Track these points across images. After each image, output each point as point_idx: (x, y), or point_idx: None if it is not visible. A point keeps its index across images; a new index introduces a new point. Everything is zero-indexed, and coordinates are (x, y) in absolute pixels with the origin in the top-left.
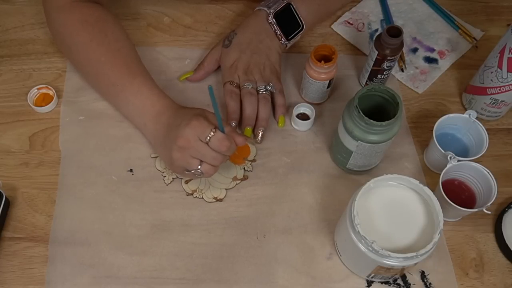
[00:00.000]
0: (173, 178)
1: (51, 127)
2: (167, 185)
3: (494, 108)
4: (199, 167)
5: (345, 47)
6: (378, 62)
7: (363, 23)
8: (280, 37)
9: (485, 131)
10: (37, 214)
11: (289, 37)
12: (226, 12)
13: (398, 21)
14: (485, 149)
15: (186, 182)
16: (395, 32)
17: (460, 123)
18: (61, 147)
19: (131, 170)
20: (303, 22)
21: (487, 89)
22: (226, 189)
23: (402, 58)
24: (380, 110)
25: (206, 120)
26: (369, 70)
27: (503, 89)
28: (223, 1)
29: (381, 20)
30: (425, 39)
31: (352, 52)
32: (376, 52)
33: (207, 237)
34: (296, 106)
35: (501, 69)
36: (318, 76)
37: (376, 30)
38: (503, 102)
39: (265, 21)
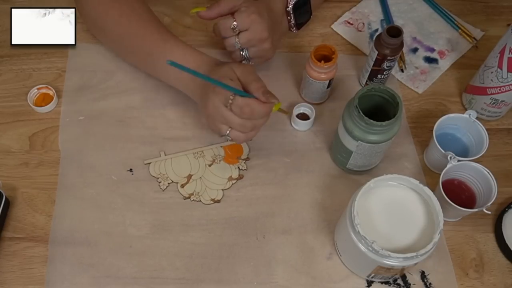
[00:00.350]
0: (168, 183)
1: (51, 127)
2: (163, 190)
3: (494, 108)
4: (228, 132)
5: (345, 47)
6: (378, 62)
7: (363, 23)
8: (292, 25)
9: (485, 131)
10: (37, 214)
11: (299, 28)
12: None
13: (398, 21)
14: (485, 149)
15: (182, 186)
16: (395, 32)
17: (460, 123)
18: (60, 147)
19: (130, 170)
20: (312, 12)
21: (487, 89)
22: (222, 189)
23: (402, 59)
24: (380, 110)
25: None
26: (369, 70)
27: (503, 89)
28: None
29: (381, 20)
30: (425, 39)
31: (352, 52)
32: (376, 52)
33: (207, 237)
34: (296, 106)
35: (501, 69)
36: (318, 76)
37: (376, 30)
38: (503, 102)
39: (283, 7)
